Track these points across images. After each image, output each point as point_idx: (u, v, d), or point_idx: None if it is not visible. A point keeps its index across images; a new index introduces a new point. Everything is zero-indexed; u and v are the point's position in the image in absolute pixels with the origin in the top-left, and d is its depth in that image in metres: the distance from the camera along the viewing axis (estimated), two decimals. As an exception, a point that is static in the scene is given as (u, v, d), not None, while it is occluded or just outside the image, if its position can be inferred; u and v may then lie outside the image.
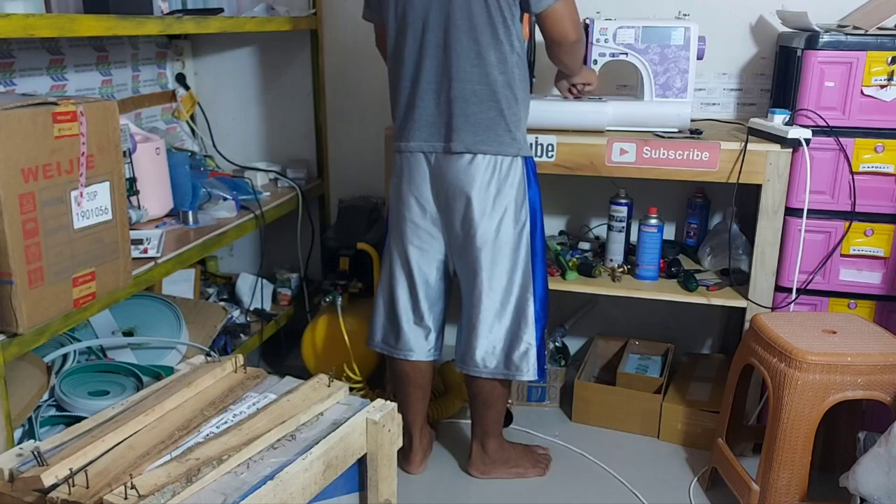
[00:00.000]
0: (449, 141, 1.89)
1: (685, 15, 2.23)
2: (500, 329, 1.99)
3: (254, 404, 1.52)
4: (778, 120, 2.09)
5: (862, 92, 2.03)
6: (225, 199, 2.40)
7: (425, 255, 2.03)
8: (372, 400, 1.59)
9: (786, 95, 2.18)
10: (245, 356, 1.70)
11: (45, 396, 1.79)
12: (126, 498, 1.20)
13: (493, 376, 2.02)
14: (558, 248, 2.50)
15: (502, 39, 1.83)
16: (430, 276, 2.05)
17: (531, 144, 2.19)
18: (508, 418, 2.43)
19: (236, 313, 2.60)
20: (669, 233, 2.62)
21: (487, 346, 2.00)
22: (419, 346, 2.10)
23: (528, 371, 1.99)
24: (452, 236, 1.98)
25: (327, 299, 2.56)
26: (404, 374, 2.14)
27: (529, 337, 1.98)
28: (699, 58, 2.20)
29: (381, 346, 2.15)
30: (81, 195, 1.61)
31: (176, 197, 2.28)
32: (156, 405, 1.47)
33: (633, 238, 2.42)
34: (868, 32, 2.03)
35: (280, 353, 2.77)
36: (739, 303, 2.21)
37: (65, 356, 1.93)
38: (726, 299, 2.23)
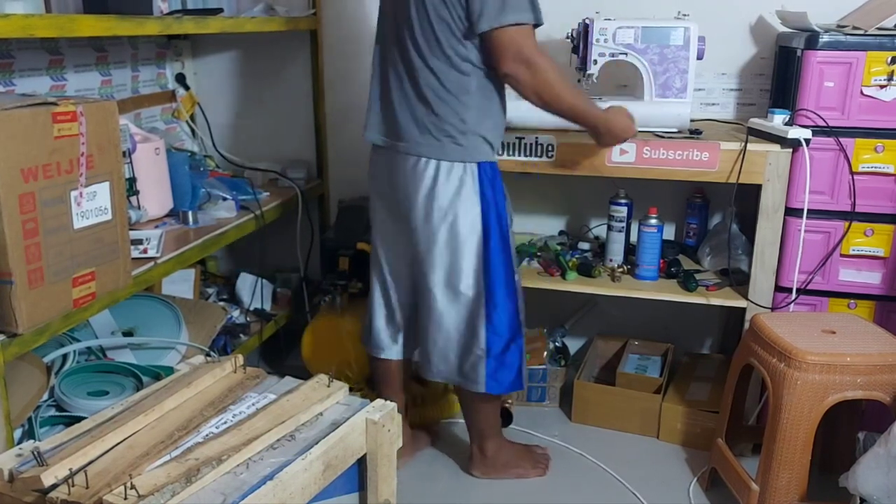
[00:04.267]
0: (398, 141, 1.89)
1: (685, 15, 2.23)
2: (450, 336, 1.97)
3: (253, 404, 1.52)
4: (778, 120, 2.09)
5: (862, 92, 2.03)
6: (225, 199, 2.40)
7: (392, 251, 2.04)
8: (371, 400, 1.59)
9: (785, 95, 2.18)
10: (245, 356, 1.70)
11: (45, 396, 1.79)
12: (126, 498, 1.20)
13: (448, 381, 2.03)
14: (558, 248, 2.50)
15: (449, 53, 1.79)
16: (401, 272, 2.05)
17: (530, 144, 2.19)
18: (508, 418, 2.43)
19: (236, 313, 2.60)
20: (669, 233, 2.62)
21: (439, 352, 1.99)
22: (388, 343, 2.12)
23: (479, 383, 1.96)
24: (405, 236, 1.97)
25: (327, 299, 2.55)
26: (375, 371, 2.17)
27: (479, 349, 1.94)
28: (699, 58, 2.20)
29: (364, 342, 2.19)
30: (81, 195, 1.61)
31: (176, 197, 2.28)
32: (155, 405, 1.47)
33: (633, 238, 2.42)
34: (868, 32, 2.03)
35: (280, 353, 2.77)
36: (739, 303, 2.21)
37: (64, 356, 1.93)
38: (726, 299, 2.23)
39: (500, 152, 2.16)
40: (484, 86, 1.85)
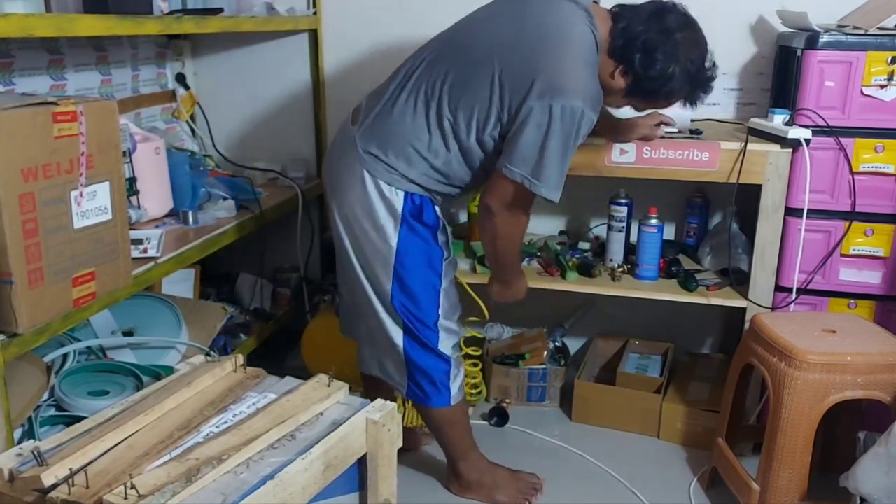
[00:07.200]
0: (357, 140, 1.85)
1: (685, 15, 2.22)
2: (369, 332, 1.98)
3: (253, 404, 1.52)
4: (778, 120, 2.09)
5: (862, 92, 2.03)
6: (224, 198, 2.40)
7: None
8: (372, 399, 1.59)
9: (786, 95, 2.18)
10: (245, 356, 1.70)
11: (45, 396, 1.79)
12: (126, 498, 1.20)
13: (377, 375, 2.05)
14: (558, 247, 2.50)
15: (453, 129, 1.78)
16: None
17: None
18: (504, 418, 2.43)
19: (236, 313, 2.59)
20: (669, 233, 2.62)
21: (365, 344, 2.04)
22: None
23: (400, 385, 1.97)
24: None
25: (327, 299, 2.55)
26: None
27: (398, 353, 1.93)
28: (699, 57, 2.20)
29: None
30: (81, 195, 1.61)
31: (176, 197, 2.27)
32: (155, 405, 1.47)
33: (634, 238, 2.42)
34: (868, 32, 2.03)
35: (280, 353, 2.77)
36: (739, 303, 2.21)
37: (65, 356, 1.93)
38: (726, 299, 2.23)
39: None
40: (449, 162, 1.83)
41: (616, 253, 2.40)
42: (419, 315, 1.90)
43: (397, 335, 1.92)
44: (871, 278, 2.14)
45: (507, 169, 1.72)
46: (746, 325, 2.13)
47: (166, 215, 2.26)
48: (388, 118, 1.83)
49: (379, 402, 1.57)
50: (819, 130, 2.05)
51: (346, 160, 1.87)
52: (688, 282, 2.27)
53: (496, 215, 1.81)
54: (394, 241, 1.85)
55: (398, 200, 1.84)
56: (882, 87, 2.02)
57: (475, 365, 2.52)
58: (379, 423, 1.50)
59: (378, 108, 1.85)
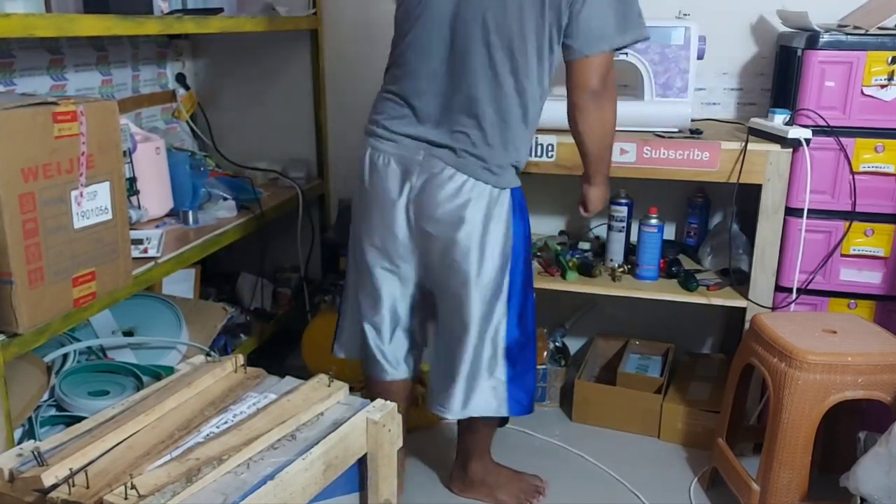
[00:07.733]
0: (436, 150, 1.74)
1: (685, 15, 2.22)
2: (476, 371, 1.84)
3: (254, 404, 1.52)
4: (778, 120, 2.09)
5: (862, 92, 2.03)
6: (225, 198, 2.40)
7: (401, 265, 1.87)
8: (372, 400, 1.59)
9: (786, 95, 2.18)
10: (245, 356, 1.70)
11: (45, 396, 1.79)
12: (126, 498, 1.20)
13: (470, 415, 1.89)
14: (558, 248, 2.50)
15: (531, 72, 1.69)
16: (409, 288, 1.91)
17: (530, 144, 2.19)
18: (504, 418, 2.42)
19: (236, 313, 2.59)
20: (669, 233, 2.62)
21: (460, 390, 1.85)
22: (393, 364, 2.02)
23: (499, 408, 1.87)
24: (425, 253, 1.83)
25: (327, 299, 2.55)
26: (379, 396, 2.11)
27: (500, 373, 1.85)
28: (699, 58, 2.20)
29: (366, 369, 2.09)
30: (81, 195, 1.61)
31: (176, 197, 2.28)
32: (156, 405, 1.47)
33: (634, 238, 2.42)
34: (868, 32, 2.03)
35: (280, 353, 2.77)
36: (739, 303, 2.21)
37: (65, 356, 1.93)
38: (726, 299, 2.23)
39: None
40: (537, 113, 1.77)
41: (616, 253, 2.40)
42: (528, 300, 1.86)
43: (500, 339, 1.83)
44: (871, 278, 2.14)
45: (600, 46, 1.67)
46: (747, 325, 2.13)
47: (166, 215, 2.26)
48: (500, 122, 1.71)
49: (379, 402, 1.57)
50: (819, 130, 2.05)
51: (464, 187, 1.73)
52: (688, 282, 2.27)
53: (603, 96, 1.72)
54: (510, 242, 1.79)
55: (507, 200, 1.78)
56: (882, 87, 2.02)
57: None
58: (379, 424, 1.50)
59: (476, 123, 1.71)
